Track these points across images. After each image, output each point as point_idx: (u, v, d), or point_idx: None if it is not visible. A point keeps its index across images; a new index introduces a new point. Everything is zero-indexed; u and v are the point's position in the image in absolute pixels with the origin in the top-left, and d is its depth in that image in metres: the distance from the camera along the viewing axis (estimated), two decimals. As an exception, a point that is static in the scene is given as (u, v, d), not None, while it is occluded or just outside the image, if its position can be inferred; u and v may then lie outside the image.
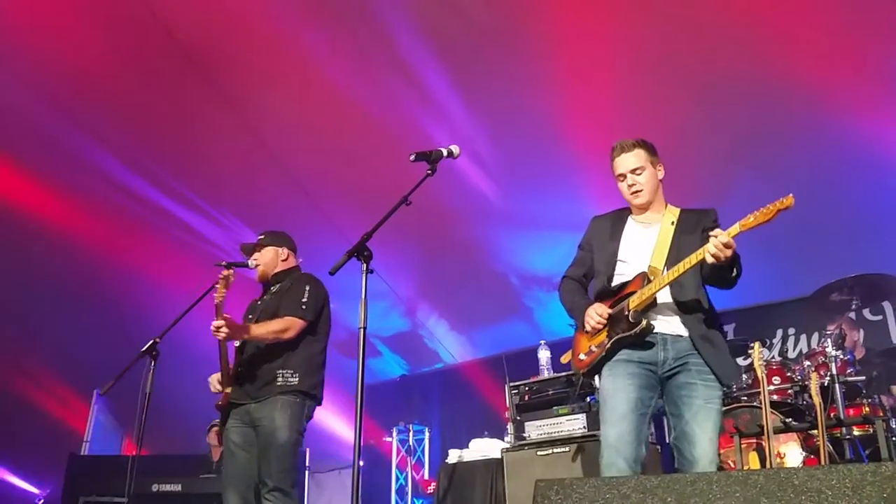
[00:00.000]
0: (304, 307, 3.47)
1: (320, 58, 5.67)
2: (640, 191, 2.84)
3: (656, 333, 2.68)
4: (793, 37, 4.93)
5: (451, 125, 5.86)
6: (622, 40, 5.21)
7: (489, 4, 5.27)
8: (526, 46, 5.42)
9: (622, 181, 2.87)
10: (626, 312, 2.68)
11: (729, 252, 2.46)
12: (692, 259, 2.55)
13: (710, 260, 2.48)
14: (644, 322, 2.63)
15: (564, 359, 3.12)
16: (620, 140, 2.91)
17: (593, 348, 2.80)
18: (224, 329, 3.25)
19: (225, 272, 3.28)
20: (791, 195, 2.33)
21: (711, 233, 2.50)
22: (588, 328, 2.79)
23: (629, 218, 2.94)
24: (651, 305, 2.67)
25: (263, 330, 3.40)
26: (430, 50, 5.57)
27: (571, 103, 5.68)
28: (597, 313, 2.75)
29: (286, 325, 3.42)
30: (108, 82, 5.84)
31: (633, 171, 2.84)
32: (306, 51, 5.65)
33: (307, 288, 3.53)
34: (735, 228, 2.47)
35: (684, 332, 2.69)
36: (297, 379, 3.41)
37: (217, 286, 3.27)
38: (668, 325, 2.70)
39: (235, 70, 5.87)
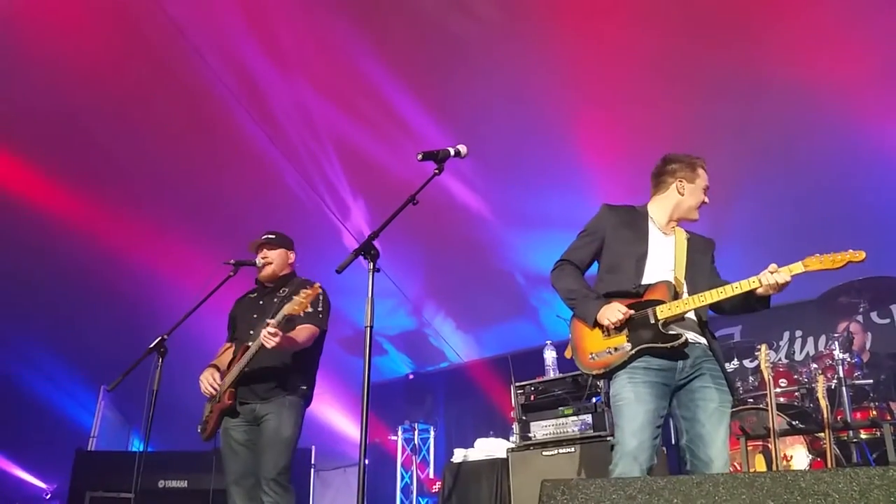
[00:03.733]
0: (320, 317, 3.54)
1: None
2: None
3: None
4: (798, 36, 4.91)
5: (455, 125, 5.86)
6: (628, 40, 5.20)
7: (497, 3, 5.27)
8: (534, 46, 5.41)
9: (705, 193, 2.94)
10: (654, 321, 2.64)
11: (780, 291, 2.55)
12: (743, 285, 2.60)
13: (760, 291, 2.57)
14: (683, 337, 2.61)
15: (568, 353, 3.03)
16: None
17: (611, 351, 2.68)
18: (279, 337, 3.24)
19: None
20: (863, 252, 2.38)
21: (769, 268, 2.57)
22: (607, 322, 2.67)
23: (650, 222, 2.91)
24: (678, 318, 2.69)
25: (301, 338, 3.45)
26: (433, 50, 5.57)
27: (579, 102, 5.67)
28: (620, 312, 2.66)
29: (311, 335, 3.48)
30: (119, 78, 5.86)
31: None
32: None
33: (321, 297, 3.58)
34: (797, 267, 2.52)
35: (702, 339, 2.72)
36: (301, 381, 3.52)
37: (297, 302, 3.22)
38: (689, 333, 2.71)
39: (241, 64, 5.88)
